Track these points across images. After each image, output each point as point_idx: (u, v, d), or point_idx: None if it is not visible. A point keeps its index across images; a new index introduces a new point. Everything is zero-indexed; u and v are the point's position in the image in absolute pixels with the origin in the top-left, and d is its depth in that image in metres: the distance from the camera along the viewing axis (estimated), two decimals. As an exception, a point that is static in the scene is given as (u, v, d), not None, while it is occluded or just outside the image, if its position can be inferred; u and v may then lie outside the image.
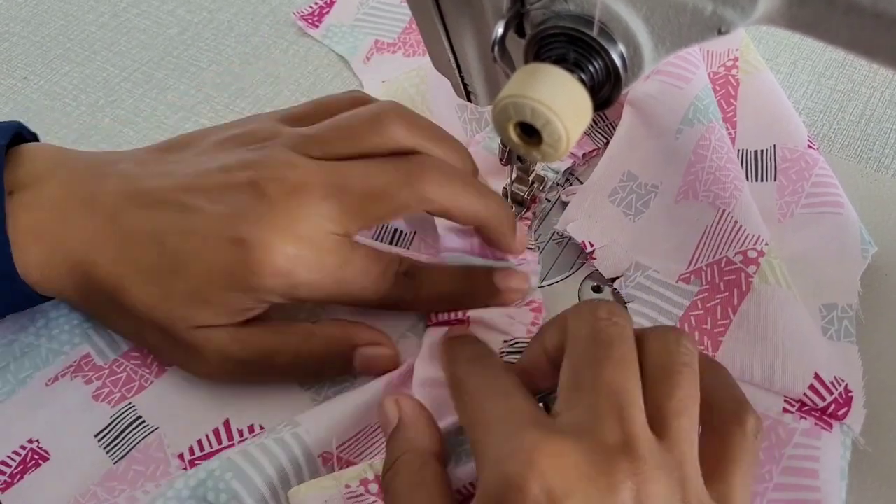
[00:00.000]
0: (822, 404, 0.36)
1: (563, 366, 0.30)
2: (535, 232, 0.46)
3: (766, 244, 0.40)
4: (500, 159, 0.44)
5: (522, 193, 0.45)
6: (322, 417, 0.36)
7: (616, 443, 0.26)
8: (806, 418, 0.36)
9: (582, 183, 0.47)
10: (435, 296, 0.40)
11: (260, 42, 0.58)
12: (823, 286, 0.40)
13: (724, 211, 0.42)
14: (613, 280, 0.43)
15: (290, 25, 0.59)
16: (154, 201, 0.37)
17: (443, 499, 0.30)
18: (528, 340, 0.39)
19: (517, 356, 0.38)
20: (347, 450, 0.37)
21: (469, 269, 0.41)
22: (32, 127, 0.41)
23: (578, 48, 0.28)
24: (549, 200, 0.47)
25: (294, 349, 0.38)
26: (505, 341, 0.40)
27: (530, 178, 0.45)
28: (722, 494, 0.28)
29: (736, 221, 0.41)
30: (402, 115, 0.38)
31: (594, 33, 0.28)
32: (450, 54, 0.37)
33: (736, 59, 0.49)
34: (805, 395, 0.36)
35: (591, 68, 0.28)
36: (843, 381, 0.36)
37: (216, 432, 0.38)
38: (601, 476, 0.26)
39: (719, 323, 0.39)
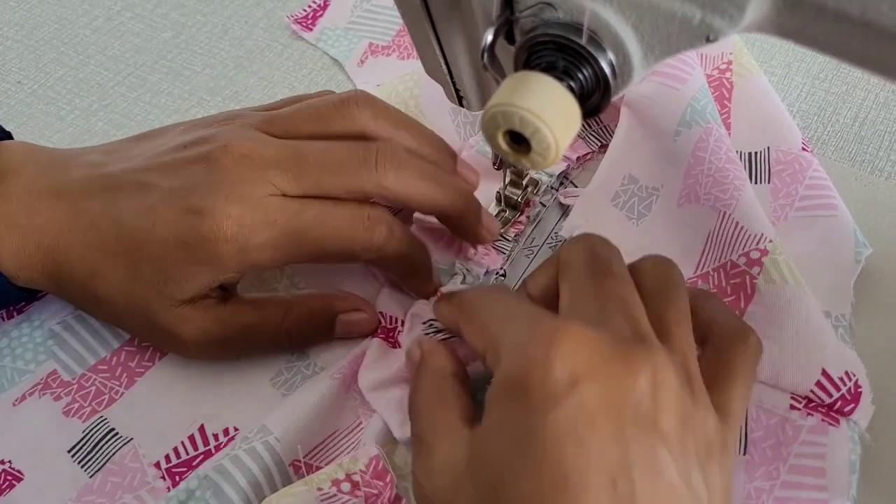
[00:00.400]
0: (828, 400, 0.36)
1: (562, 291, 0.31)
2: (528, 236, 0.46)
3: (770, 241, 0.40)
4: (494, 164, 0.43)
5: (516, 197, 0.45)
6: (290, 424, 0.36)
7: (633, 338, 0.28)
8: (813, 415, 0.36)
9: (576, 186, 0.47)
10: (405, 251, 0.39)
11: (254, 45, 0.58)
12: (817, 294, 0.40)
13: (724, 213, 0.42)
14: None
15: (283, 29, 0.58)
16: (115, 184, 0.38)
17: (460, 410, 0.31)
18: None
19: (440, 334, 0.38)
20: (316, 456, 0.37)
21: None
22: (26, 131, 0.42)
23: (567, 56, 0.28)
24: (543, 205, 0.47)
25: (274, 324, 0.39)
26: (424, 322, 0.40)
27: (524, 182, 0.45)
28: (720, 404, 0.30)
29: (737, 223, 0.41)
30: (370, 101, 0.39)
31: (583, 41, 0.28)
32: (441, 60, 0.37)
33: (730, 63, 0.49)
34: (812, 391, 0.36)
35: (580, 76, 0.28)
36: (854, 375, 0.36)
37: (191, 439, 0.38)
38: (621, 360, 0.27)
39: None
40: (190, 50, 0.57)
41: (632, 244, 0.43)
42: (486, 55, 0.31)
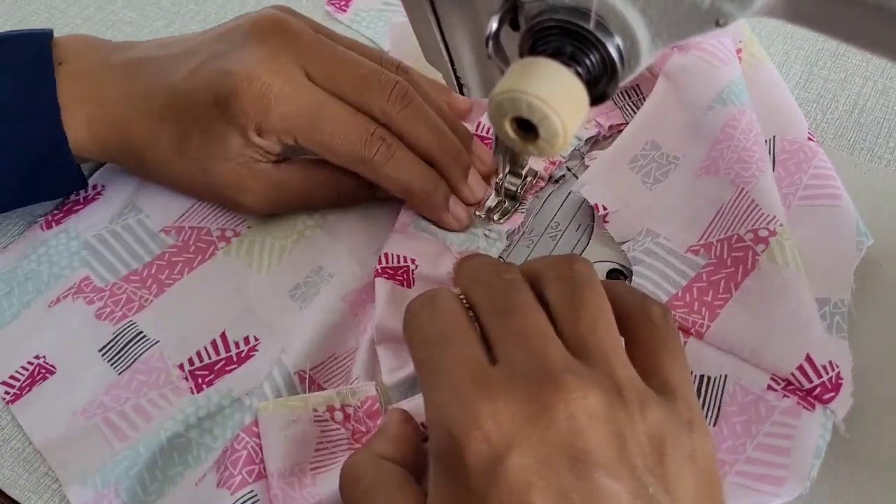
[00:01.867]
0: (808, 386, 0.36)
1: (480, 327, 0.31)
2: (528, 225, 0.45)
3: (781, 224, 0.40)
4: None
5: (515, 188, 0.45)
6: (300, 338, 0.40)
7: (540, 378, 0.27)
8: (789, 397, 0.36)
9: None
10: (402, 178, 0.42)
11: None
12: (817, 280, 0.40)
13: (742, 189, 0.42)
14: (622, 244, 0.43)
15: (278, 17, 0.58)
16: (168, 55, 0.43)
17: (397, 499, 0.30)
18: None
19: None
20: (318, 373, 0.40)
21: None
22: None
23: (574, 41, 0.28)
24: (569, 169, 0.47)
25: (327, 187, 0.44)
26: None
27: (523, 172, 0.44)
28: (661, 384, 0.29)
29: (753, 200, 0.41)
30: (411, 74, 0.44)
31: (591, 26, 0.27)
32: (442, 47, 0.36)
33: (739, 51, 0.48)
34: (792, 374, 0.36)
35: (587, 62, 0.28)
36: (837, 366, 0.37)
37: (213, 344, 0.41)
38: (536, 415, 0.27)
39: (720, 296, 0.40)
40: (183, 39, 0.57)
41: (640, 206, 0.44)
42: (490, 43, 0.30)
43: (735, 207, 0.42)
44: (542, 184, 0.46)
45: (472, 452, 0.26)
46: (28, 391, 0.40)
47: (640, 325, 0.31)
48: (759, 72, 0.48)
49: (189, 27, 0.57)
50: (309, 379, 0.39)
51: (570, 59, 0.28)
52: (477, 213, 0.45)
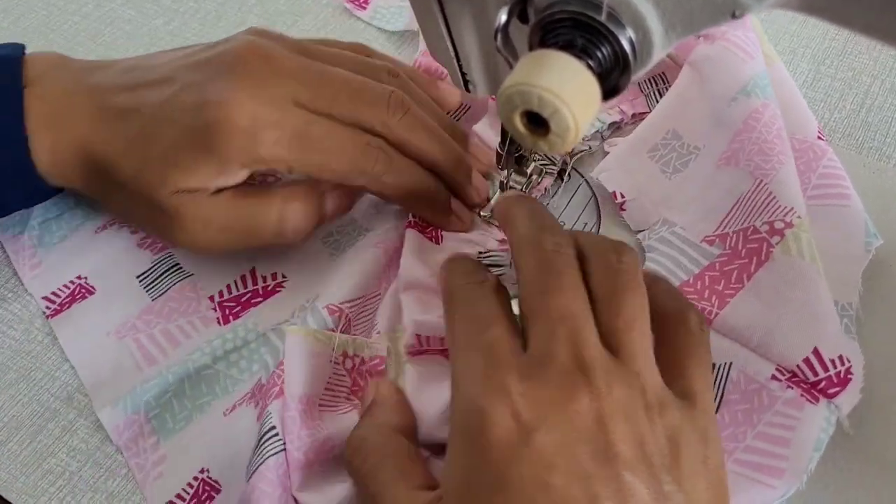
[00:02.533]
0: (813, 379, 0.36)
1: (520, 297, 0.31)
2: (565, 181, 0.47)
3: (799, 217, 0.40)
4: (497, 163, 0.43)
5: (520, 187, 0.44)
6: (334, 280, 0.41)
7: (573, 367, 0.28)
8: (792, 388, 0.36)
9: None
10: (404, 184, 0.41)
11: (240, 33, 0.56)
12: (827, 282, 0.40)
13: (761, 181, 0.42)
14: (638, 232, 0.43)
15: (278, 15, 0.57)
16: (142, 82, 0.41)
17: (417, 477, 0.31)
18: (500, 253, 0.43)
19: (492, 268, 0.39)
20: (351, 308, 0.41)
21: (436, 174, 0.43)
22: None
23: (586, 34, 0.27)
24: (589, 147, 0.47)
25: (277, 213, 0.40)
26: (480, 253, 0.43)
27: (529, 171, 0.44)
28: (683, 389, 0.30)
29: (771, 192, 0.41)
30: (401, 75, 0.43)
31: (602, 18, 0.27)
32: (448, 43, 0.36)
33: None
34: (798, 366, 0.36)
35: (599, 54, 0.27)
36: (848, 361, 0.36)
37: (243, 278, 0.43)
38: (565, 400, 0.27)
39: (732, 286, 0.39)
40: (182, 36, 0.56)
41: (658, 195, 0.44)
42: (499, 36, 0.30)
43: (753, 199, 0.41)
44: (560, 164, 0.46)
45: (498, 427, 0.27)
46: (68, 308, 0.42)
47: (674, 329, 0.32)
48: (771, 70, 0.47)
49: (188, 25, 0.57)
50: (339, 311, 0.40)
51: (581, 52, 0.27)
52: (481, 213, 0.44)
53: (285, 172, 0.40)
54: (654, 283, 0.33)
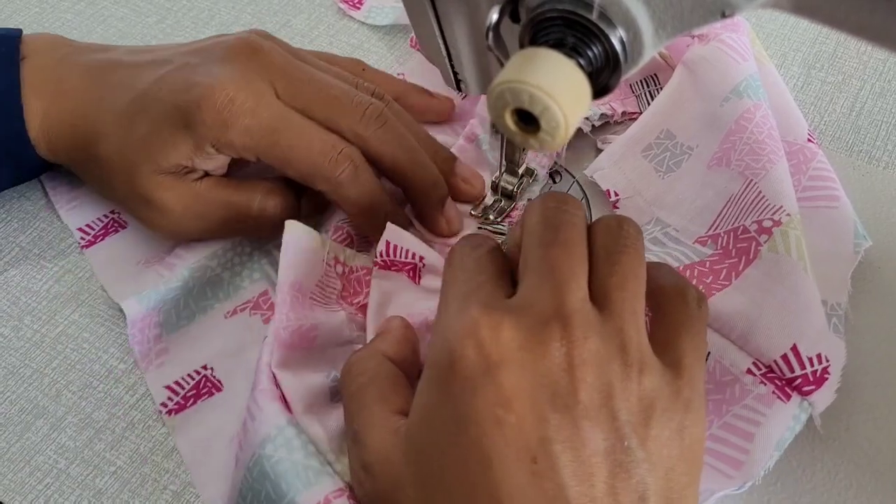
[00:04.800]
0: (789, 376, 0.36)
1: (522, 253, 0.31)
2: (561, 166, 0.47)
3: (788, 215, 0.40)
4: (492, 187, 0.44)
5: (512, 187, 0.44)
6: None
7: (550, 313, 0.28)
8: (766, 384, 0.36)
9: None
10: (362, 202, 0.41)
11: (241, 30, 0.56)
12: (815, 282, 0.40)
13: (751, 181, 0.42)
14: None
15: (271, 15, 0.57)
16: (137, 62, 0.42)
17: (396, 403, 0.32)
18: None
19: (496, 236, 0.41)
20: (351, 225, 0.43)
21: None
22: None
23: (576, 32, 0.27)
24: (581, 129, 0.47)
25: (258, 205, 0.42)
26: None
27: (520, 171, 0.44)
28: (673, 360, 0.30)
29: (760, 192, 0.41)
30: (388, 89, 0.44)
31: (593, 17, 0.27)
32: (440, 41, 0.36)
33: None
34: (775, 362, 0.36)
35: (589, 53, 0.27)
36: (827, 360, 0.36)
37: None
38: (534, 344, 0.27)
39: (720, 282, 0.40)
40: (175, 35, 0.56)
41: (650, 194, 0.44)
42: (490, 34, 0.30)
43: (743, 199, 0.42)
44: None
45: (462, 360, 0.28)
46: (101, 240, 0.45)
47: (671, 302, 0.32)
48: (762, 72, 0.47)
49: (181, 23, 0.57)
50: (342, 229, 0.42)
51: (571, 51, 0.27)
52: (472, 212, 0.44)
53: (253, 160, 0.40)
54: (657, 266, 0.33)
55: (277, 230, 0.39)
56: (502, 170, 0.44)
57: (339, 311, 0.40)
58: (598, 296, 0.29)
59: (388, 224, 0.40)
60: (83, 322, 0.43)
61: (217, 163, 0.41)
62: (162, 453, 0.38)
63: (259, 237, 0.44)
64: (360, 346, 0.39)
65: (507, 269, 0.32)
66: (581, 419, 0.27)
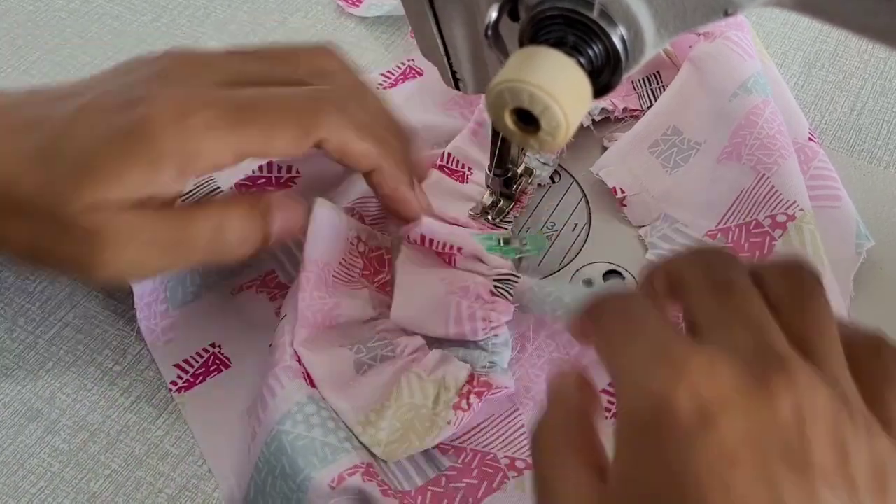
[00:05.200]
0: None
1: (684, 309, 0.27)
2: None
3: (802, 210, 0.39)
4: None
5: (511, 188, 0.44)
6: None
7: (766, 359, 0.24)
8: None
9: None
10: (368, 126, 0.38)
11: (237, 29, 0.56)
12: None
13: (763, 175, 0.41)
14: (639, 228, 0.43)
15: (267, 13, 0.57)
16: (54, 95, 0.37)
17: (589, 454, 0.26)
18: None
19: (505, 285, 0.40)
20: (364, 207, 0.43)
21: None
22: None
23: (577, 31, 0.27)
24: (581, 124, 0.45)
25: (214, 223, 0.35)
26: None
27: (519, 171, 0.44)
28: (885, 420, 0.25)
29: (773, 186, 0.41)
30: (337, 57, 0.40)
31: (594, 15, 0.26)
32: (438, 40, 0.36)
33: None
34: None
35: (590, 52, 0.27)
36: None
37: (260, 167, 0.43)
38: (757, 389, 0.23)
39: None
40: (171, 34, 0.56)
41: (658, 190, 0.44)
42: (489, 32, 0.30)
43: (755, 193, 0.41)
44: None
45: (675, 409, 0.23)
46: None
47: (867, 358, 0.27)
48: (764, 71, 0.47)
49: (177, 21, 0.56)
50: (352, 209, 0.42)
51: (572, 50, 0.27)
52: (471, 213, 0.44)
53: (229, 163, 0.35)
54: (839, 317, 0.29)
55: (242, 251, 0.36)
56: (493, 170, 0.43)
57: (363, 288, 0.40)
58: (796, 342, 0.25)
59: (423, 218, 0.40)
60: (77, 324, 0.42)
61: (171, 186, 0.35)
62: (157, 456, 0.38)
63: (222, 262, 0.39)
64: (382, 322, 0.39)
65: (673, 322, 0.27)
66: (818, 482, 0.22)
